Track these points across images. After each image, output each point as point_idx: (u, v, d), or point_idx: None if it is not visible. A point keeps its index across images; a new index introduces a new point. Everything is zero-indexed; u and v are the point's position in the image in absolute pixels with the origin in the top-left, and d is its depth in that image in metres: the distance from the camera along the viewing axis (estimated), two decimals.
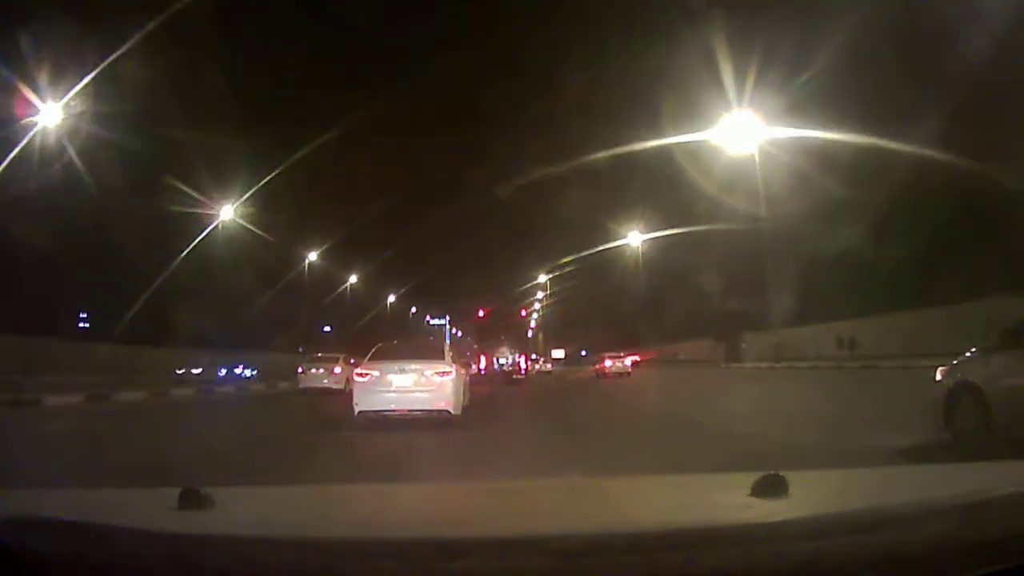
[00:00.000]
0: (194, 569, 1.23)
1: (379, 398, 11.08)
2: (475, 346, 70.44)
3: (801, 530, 1.30)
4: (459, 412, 11.35)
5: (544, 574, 1.19)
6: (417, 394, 11.05)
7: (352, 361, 20.65)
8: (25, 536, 1.28)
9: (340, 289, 54.26)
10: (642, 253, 49.25)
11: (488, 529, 1.64)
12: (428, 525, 1.80)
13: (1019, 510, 1.32)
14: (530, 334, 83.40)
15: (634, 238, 48.91)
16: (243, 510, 1.88)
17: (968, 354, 6.81)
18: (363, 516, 1.95)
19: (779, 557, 1.20)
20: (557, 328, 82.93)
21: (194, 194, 31.68)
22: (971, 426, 6.20)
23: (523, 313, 79.05)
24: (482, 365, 39.90)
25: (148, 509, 1.82)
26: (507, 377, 34.96)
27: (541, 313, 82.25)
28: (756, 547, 1.22)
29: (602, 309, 68.62)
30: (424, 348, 12.83)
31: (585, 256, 54.12)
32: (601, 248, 50.64)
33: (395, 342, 14.26)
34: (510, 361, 38.59)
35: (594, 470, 6.10)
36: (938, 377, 6.89)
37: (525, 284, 70.45)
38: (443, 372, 11.23)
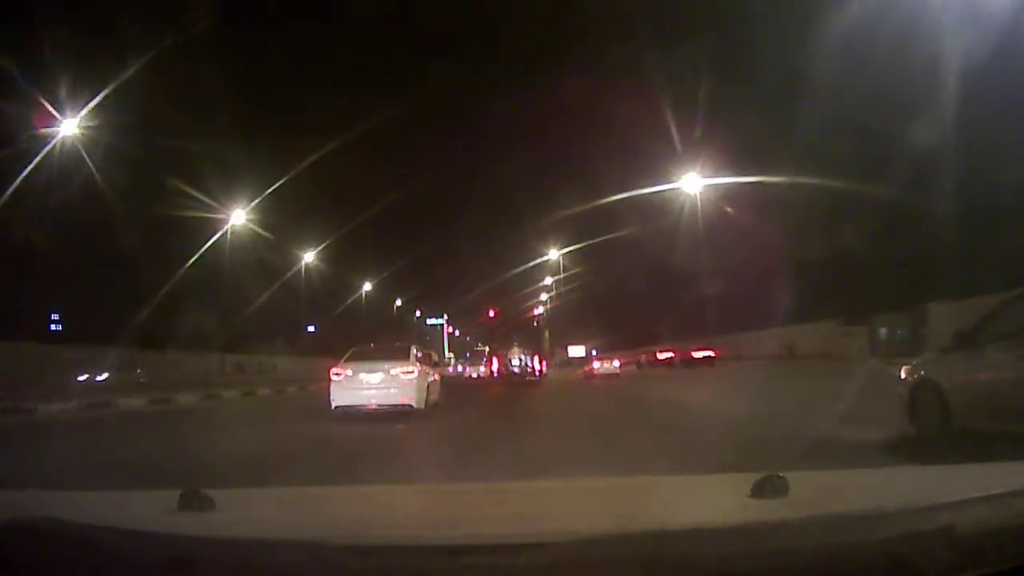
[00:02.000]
0: (194, 571, 1.23)
1: (352, 394, 12.55)
2: (478, 347, 69.40)
3: (800, 530, 1.30)
4: (422, 406, 12.70)
5: (544, 574, 1.19)
6: (384, 391, 12.51)
7: None
8: (25, 537, 1.28)
9: (324, 286, 47.89)
10: (702, 206, 33.52)
11: (488, 530, 1.65)
12: (429, 526, 1.81)
13: (1017, 510, 1.32)
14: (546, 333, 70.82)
15: (690, 183, 33.17)
16: (243, 512, 1.89)
17: (930, 354, 7.49)
18: (363, 517, 1.96)
19: (779, 557, 1.20)
20: (569, 324, 67.01)
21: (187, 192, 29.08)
22: (932, 420, 6.74)
23: (535, 312, 68.99)
24: (494, 367, 37.44)
25: (149, 510, 1.82)
26: (520, 379, 33.40)
27: (548, 307, 69.64)
28: (756, 547, 1.22)
29: (629, 297, 56.55)
30: (392, 350, 14.00)
31: (612, 218, 40.76)
32: (640, 193, 35.18)
33: (371, 345, 15.31)
34: (524, 362, 35.44)
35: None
36: (902, 375, 7.45)
37: (536, 279, 60.38)
38: (407, 371, 12.72)
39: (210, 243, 31.70)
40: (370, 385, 12.53)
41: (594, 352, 58.71)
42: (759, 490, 1.63)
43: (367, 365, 12.79)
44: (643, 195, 35.29)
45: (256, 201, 32.75)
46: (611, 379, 34.09)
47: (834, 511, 1.47)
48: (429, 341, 79.14)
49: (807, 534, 1.27)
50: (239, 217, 33.18)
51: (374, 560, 1.26)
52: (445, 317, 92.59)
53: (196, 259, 30.80)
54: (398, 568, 1.23)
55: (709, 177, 32.64)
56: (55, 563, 1.25)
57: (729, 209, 33.25)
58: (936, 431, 6.61)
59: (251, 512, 1.93)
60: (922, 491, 1.79)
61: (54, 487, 3.97)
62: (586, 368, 41.18)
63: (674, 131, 29.65)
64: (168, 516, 1.61)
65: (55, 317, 39.50)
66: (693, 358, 42.71)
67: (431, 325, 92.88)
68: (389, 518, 1.98)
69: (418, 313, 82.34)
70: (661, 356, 50.12)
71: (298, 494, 2.61)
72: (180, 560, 1.23)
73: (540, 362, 36.94)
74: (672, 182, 33.72)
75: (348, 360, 13.15)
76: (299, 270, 43.42)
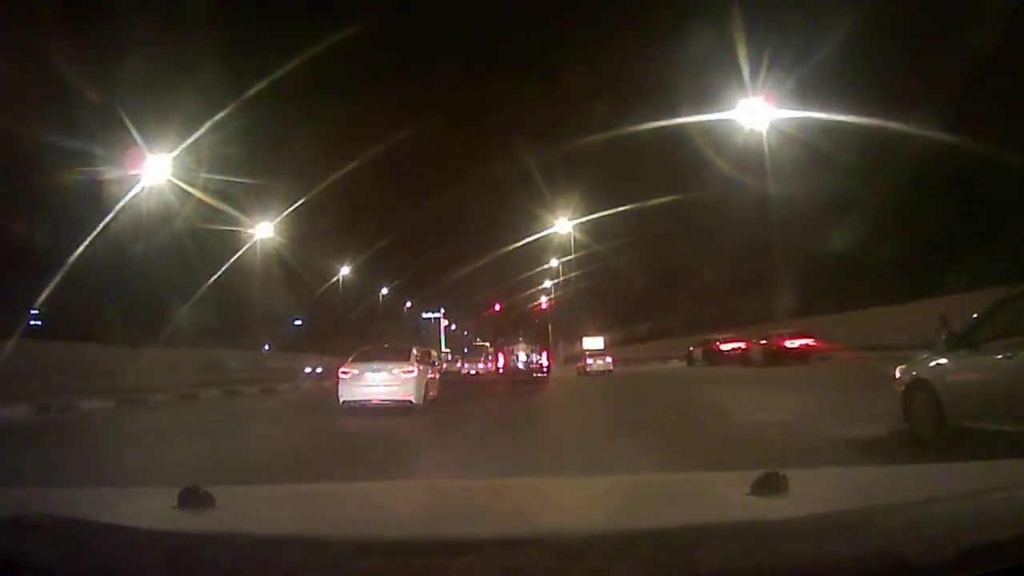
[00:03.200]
0: (194, 568, 1.23)
1: (358, 391, 14.34)
2: (477, 341, 67.69)
3: (801, 528, 1.30)
4: (421, 402, 14.37)
5: (544, 573, 1.19)
6: (386, 387, 14.22)
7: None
8: (25, 535, 1.28)
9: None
10: (768, 146, 23.86)
11: (488, 527, 1.65)
12: (428, 523, 1.81)
13: (1018, 509, 1.33)
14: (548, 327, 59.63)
15: (751, 114, 23.71)
16: (243, 509, 1.88)
17: (924, 354, 7.59)
18: (363, 514, 1.96)
19: (779, 555, 1.20)
20: (581, 313, 56.50)
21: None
22: (925, 418, 6.92)
23: (544, 306, 63.36)
24: (500, 363, 35.52)
25: (148, 508, 1.84)
26: (526, 376, 31.98)
27: (555, 295, 60.84)
28: (756, 545, 1.22)
29: (665, 275, 46.77)
30: (394, 351, 15.88)
31: (640, 174, 34.57)
32: (679, 122, 25.48)
33: (365, 348, 16.26)
34: (532, 359, 33.82)
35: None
36: (897, 374, 7.64)
37: (542, 262, 54.26)
38: (407, 371, 14.49)
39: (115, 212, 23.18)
40: (374, 383, 14.27)
41: (593, 345, 51.12)
42: (759, 488, 1.63)
43: (372, 365, 14.59)
44: (683, 131, 25.90)
45: (178, 150, 24.21)
46: (606, 376, 33.01)
47: (834, 509, 1.48)
48: (425, 336, 78.26)
49: (807, 532, 1.27)
50: (157, 173, 24.58)
51: (374, 557, 1.25)
52: (442, 311, 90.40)
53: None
54: (398, 565, 1.23)
55: (779, 108, 22.42)
56: (55, 560, 1.25)
57: (810, 146, 22.89)
58: (929, 430, 6.77)
59: (251, 509, 1.93)
60: (922, 489, 1.79)
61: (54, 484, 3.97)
62: (579, 365, 39.59)
63: (736, 52, 21.58)
64: (167, 513, 1.62)
65: None
66: (786, 349, 27.56)
67: (426, 319, 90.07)
68: (389, 515, 1.98)
69: (408, 304, 75.77)
70: (726, 347, 34.80)
71: (298, 491, 2.61)
72: (179, 557, 1.23)
73: (548, 358, 35.26)
74: (726, 111, 23.49)
75: (354, 360, 15.07)
76: (254, 250, 35.27)
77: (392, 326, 60.16)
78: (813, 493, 1.81)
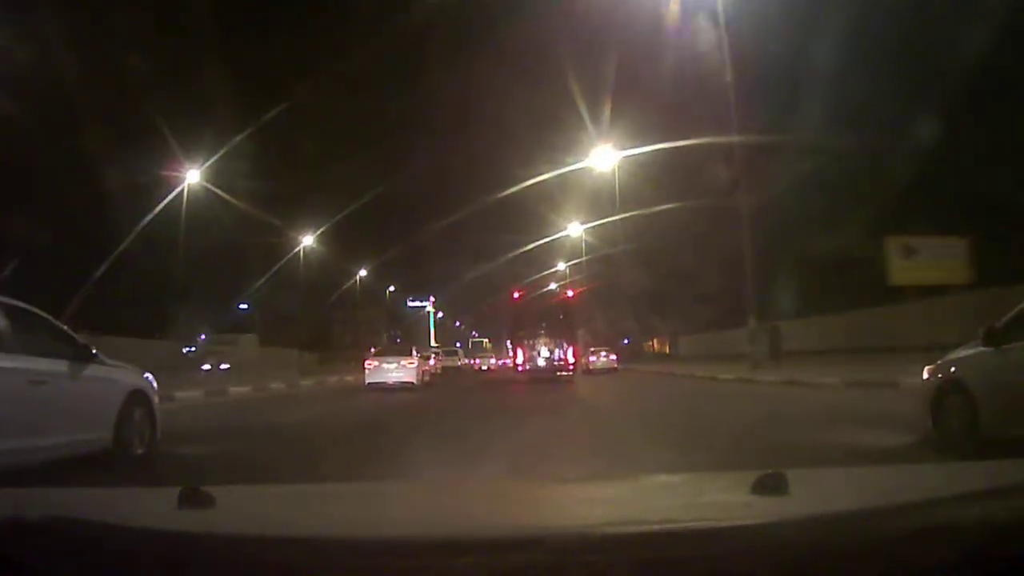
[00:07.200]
0: (194, 568, 1.23)
1: (377, 376, 21.57)
2: (475, 337, 65.93)
3: (801, 529, 1.30)
4: (419, 383, 21.90)
5: (544, 572, 1.19)
6: (396, 374, 21.61)
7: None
8: (25, 536, 1.28)
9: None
10: None
11: (488, 527, 1.64)
12: (428, 523, 1.80)
13: (1019, 510, 1.33)
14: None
15: None
16: (244, 509, 1.88)
17: (958, 352, 6.60)
18: (363, 514, 1.96)
19: (779, 555, 1.20)
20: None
21: None
22: (958, 424, 6.09)
23: (570, 293, 51.09)
24: (518, 359, 30.73)
25: (148, 508, 1.83)
26: (548, 375, 27.92)
27: (573, 272, 52.04)
28: (756, 545, 1.22)
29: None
30: (401, 349, 24.62)
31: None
32: None
33: (379, 348, 25.06)
34: (556, 355, 29.49)
35: None
36: (925, 375, 6.80)
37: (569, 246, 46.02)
38: (410, 363, 22.20)
39: None
40: (388, 371, 21.55)
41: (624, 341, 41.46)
42: (760, 488, 1.63)
43: (387, 358, 22.16)
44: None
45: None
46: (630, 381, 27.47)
47: (835, 509, 1.47)
48: (408, 326, 75.56)
49: (808, 532, 1.27)
50: None
51: (374, 556, 1.26)
52: (431, 300, 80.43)
53: None
54: (398, 564, 1.23)
55: None
56: (56, 560, 1.25)
57: None
58: (962, 437, 5.99)
59: (251, 509, 1.93)
60: (923, 489, 1.80)
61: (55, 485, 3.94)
62: (583, 360, 35.82)
63: None
64: (168, 513, 1.61)
65: None
66: None
67: (412, 308, 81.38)
68: (389, 514, 1.98)
69: (362, 272, 57.74)
70: None
71: (298, 491, 2.61)
72: (180, 557, 1.23)
73: (575, 354, 30.70)
74: None
75: (375, 355, 22.75)
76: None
77: (374, 316, 57.39)
78: (814, 493, 1.81)
